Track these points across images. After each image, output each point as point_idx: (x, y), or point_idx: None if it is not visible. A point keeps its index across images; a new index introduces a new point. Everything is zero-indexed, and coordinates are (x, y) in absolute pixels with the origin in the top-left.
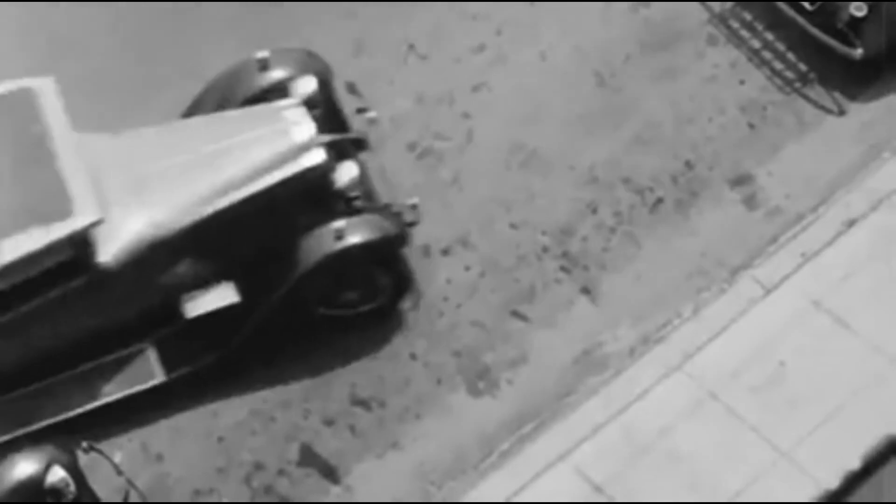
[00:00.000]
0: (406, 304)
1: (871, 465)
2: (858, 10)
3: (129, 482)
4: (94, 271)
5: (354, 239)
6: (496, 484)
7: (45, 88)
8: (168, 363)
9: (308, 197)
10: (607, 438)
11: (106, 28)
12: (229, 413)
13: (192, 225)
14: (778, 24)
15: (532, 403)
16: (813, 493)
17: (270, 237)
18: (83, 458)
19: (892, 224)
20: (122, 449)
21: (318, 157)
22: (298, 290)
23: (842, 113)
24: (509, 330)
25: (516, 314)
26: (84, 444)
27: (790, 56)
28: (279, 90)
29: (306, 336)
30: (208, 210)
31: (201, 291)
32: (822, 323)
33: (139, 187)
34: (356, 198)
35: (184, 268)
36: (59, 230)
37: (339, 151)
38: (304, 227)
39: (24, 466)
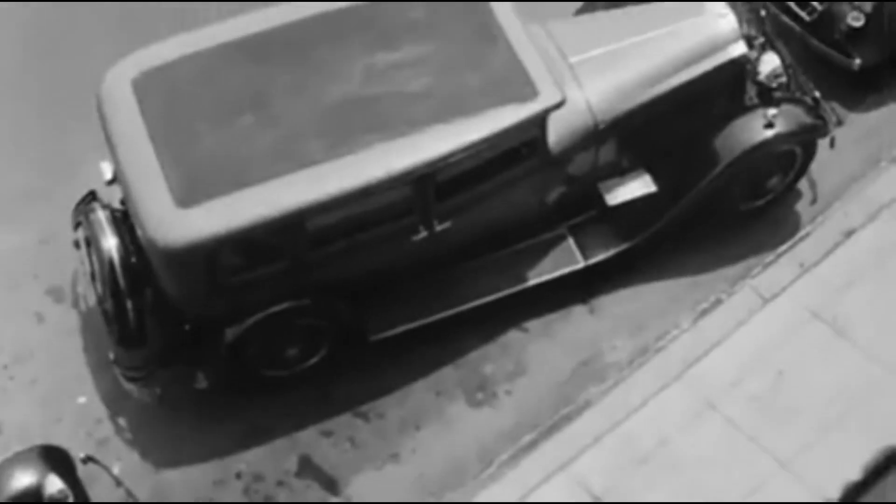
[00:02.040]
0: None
1: (872, 476)
2: (856, 21)
3: (129, 493)
4: (544, 153)
5: (783, 128)
6: (496, 495)
7: None
8: (586, 249)
9: (728, 88)
10: (607, 448)
11: None
12: (228, 424)
13: (623, 113)
14: (777, 34)
15: (531, 414)
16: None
17: (687, 127)
18: (82, 469)
19: (890, 234)
20: (121, 460)
21: (741, 48)
22: (723, 180)
23: (840, 123)
24: (508, 341)
25: (515, 325)
26: (82, 455)
27: None
28: None
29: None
30: (639, 99)
31: (618, 180)
32: (821, 333)
33: (574, 75)
34: (776, 88)
35: (606, 156)
36: (528, 109)
37: (763, 41)
38: (719, 117)
39: (22, 477)
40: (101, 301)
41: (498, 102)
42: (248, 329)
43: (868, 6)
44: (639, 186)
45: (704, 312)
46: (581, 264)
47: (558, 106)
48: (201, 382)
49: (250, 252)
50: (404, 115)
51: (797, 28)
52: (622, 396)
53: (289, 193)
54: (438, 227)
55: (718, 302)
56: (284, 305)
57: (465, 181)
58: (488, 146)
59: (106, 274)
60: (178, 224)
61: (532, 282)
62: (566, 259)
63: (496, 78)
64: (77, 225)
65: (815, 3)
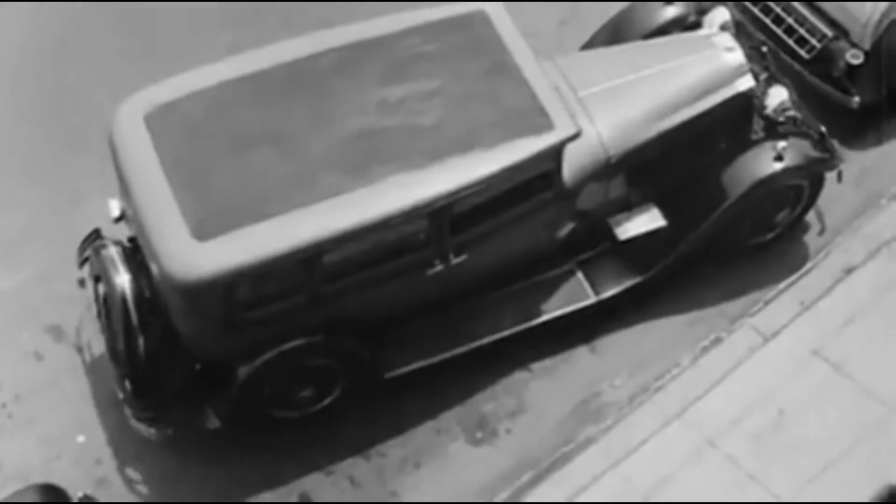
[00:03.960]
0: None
1: None
2: (855, 59)
3: None
4: (559, 186)
5: (792, 161)
6: None
7: (498, 11)
8: (596, 285)
9: (736, 121)
10: (607, 488)
11: None
12: (227, 462)
13: (633, 147)
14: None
15: (531, 453)
16: None
17: (695, 161)
18: None
19: (891, 271)
20: (119, 499)
21: (749, 82)
22: (732, 213)
23: (840, 161)
24: (508, 379)
25: (518, 363)
26: (80, 494)
27: None
28: (678, 24)
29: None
30: (649, 132)
31: (628, 214)
32: (822, 371)
33: (584, 108)
34: (784, 122)
35: (616, 189)
36: (544, 141)
37: (767, 77)
38: (726, 151)
39: None
40: (109, 340)
41: (513, 135)
42: (260, 367)
43: (867, 44)
44: (649, 221)
45: (704, 350)
46: (593, 299)
47: (573, 138)
48: (213, 422)
49: (266, 286)
50: (420, 147)
51: (796, 66)
52: (622, 435)
53: (306, 226)
54: (453, 261)
55: (718, 340)
56: (297, 342)
57: (480, 214)
58: (504, 179)
59: (118, 310)
60: (195, 257)
61: (545, 317)
62: (577, 294)
63: (511, 110)
64: (83, 262)
65: (813, 41)
